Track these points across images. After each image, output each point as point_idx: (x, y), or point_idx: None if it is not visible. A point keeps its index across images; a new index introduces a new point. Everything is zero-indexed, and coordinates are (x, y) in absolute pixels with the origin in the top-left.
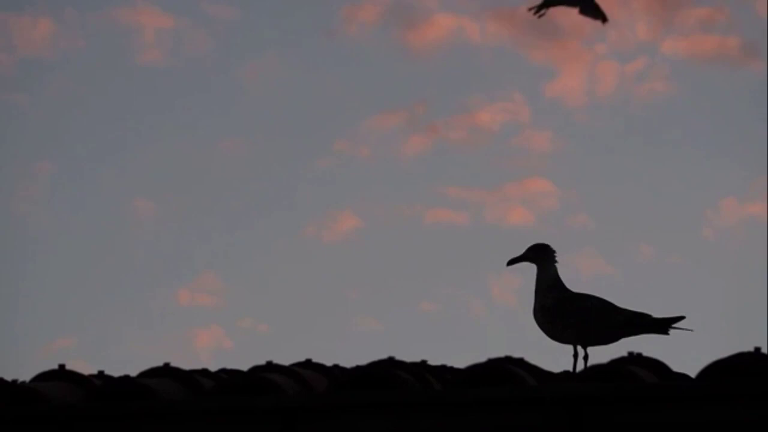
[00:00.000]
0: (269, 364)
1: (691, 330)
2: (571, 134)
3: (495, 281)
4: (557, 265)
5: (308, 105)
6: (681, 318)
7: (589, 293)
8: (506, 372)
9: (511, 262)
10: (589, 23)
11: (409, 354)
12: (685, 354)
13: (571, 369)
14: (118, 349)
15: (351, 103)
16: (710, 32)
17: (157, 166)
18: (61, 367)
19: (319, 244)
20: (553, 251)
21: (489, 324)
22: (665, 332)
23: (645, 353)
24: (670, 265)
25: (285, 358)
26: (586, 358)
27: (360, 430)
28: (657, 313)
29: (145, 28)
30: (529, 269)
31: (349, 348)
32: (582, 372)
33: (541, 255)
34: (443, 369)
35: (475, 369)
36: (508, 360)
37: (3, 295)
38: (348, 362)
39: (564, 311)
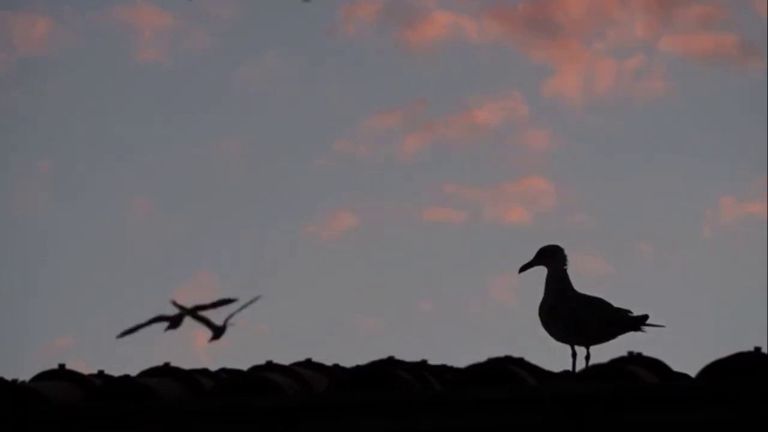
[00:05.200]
0: (269, 363)
1: (663, 326)
2: (570, 132)
3: (494, 280)
4: (568, 265)
5: (307, 104)
6: (646, 317)
7: (590, 293)
8: (506, 372)
9: (523, 269)
10: (587, 21)
11: (408, 353)
12: (685, 354)
13: (571, 369)
14: (118, 349)
15: (349, 102)
16: (708, 30)
17: (156, 165)
18: (61, 366)
19: (317, 242)
20: (561, 252)
21: (489, 323)
22: (640, 330)
23: (645, 353)
24: (670, 264)
25: (285, 358)
26: (588, 357)
27: (360, 430)
28: (655, 312)
29: (143, 26)
30: (537, 269)
31: (349, 348)
32: (582, 372)
33: (548, 257)
34: (443, 369)
35: (475, 369)
36: (508, 360)
37: (3, 295)
38: (348, 362)
39: (560, 312)
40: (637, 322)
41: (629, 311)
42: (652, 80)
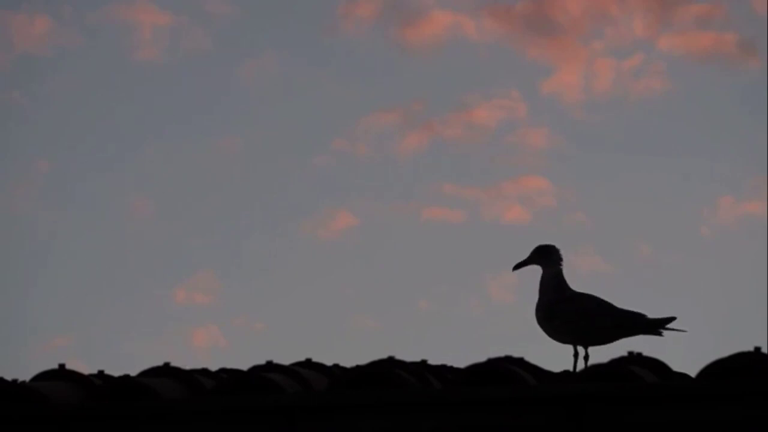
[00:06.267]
0: (269, 363)
1: (685, 331)
2: (568, 131)
3: (493, 280)
4: (563, 265)
5: (305, 103)
6: (672, 319)
7: (591, 293)
8: (506, 372)
9: (517, 267)
10: (586, 20)
11: (408, 353)
12: (685, 354)
13: (571, 369)
14: (118, 349)
15: (348, 100)
16: (707, 29)
17: (155, 164)
18: (61, 366)
19: (316, 242)
20: (557, 251)
21: (489, 323)
22: (658, 333)
23: (645, 353)
24: (668, 263)
25: (285, 358)
26: (586, 358)
27: (360, 430)
28: (655, 312)
29: (142, 25)
30: (533, 268)
31: (349, 348)
32: (582, 372)
33: (543, 257)
34: (443, 369)
35: (475, 369)
36: (508, 360)
37: (2, 295)
38: (348, 362)
39: (559, 312)
40: (658, 325)
41: (642, 314)
42: (651, 79)
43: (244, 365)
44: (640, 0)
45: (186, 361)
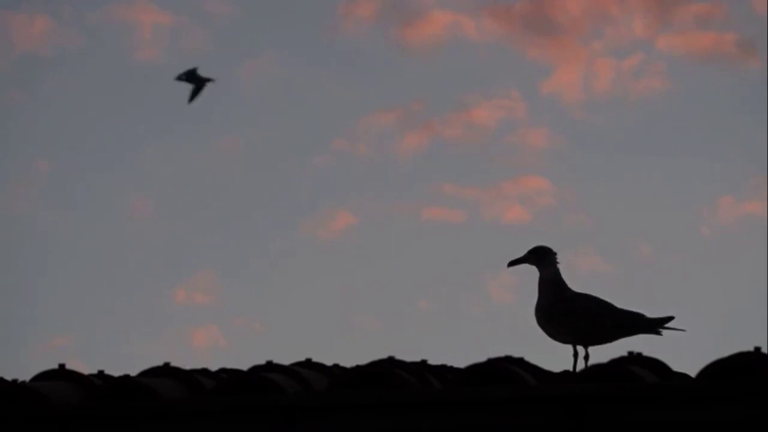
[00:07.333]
0: (269, 363)
1: (684, 330)
2: (568, 131)
3: (493, 280)
4: (559, 265)
5: (305, 103)
6: (670, 318)
7: (590, 293)
8: (506, 372)
9: (512, 264)
10: (586, 20)
11: (408, 353)
12: (685, 354)
13: (571, 369)
14: (118, 349)
15: (348, 101)
16: (707, 29)
17: (155, 164)
18: (62, 366)
19: (316, 242)
20: (554, 253)
21: (489, 323)
22: (657, 333)
23: (645, 353)
24: (668, 263)
25: (285, 358)
26: (586, 357)
27: (360, 430)
28: (655, 312)
29: (142, 25)
30: (531, 268)
31: (349, 348)
32: (582, 372)
33: (540, 257)
34: (443, 369)
35: (475, 369)
36: (508, 360)
37: (3, 295)
38: (348, 362)
39: (558, 312)
40: (657, 324)
41: (642, 314)
42: (651, 79)
43: (244, 365)
44: (640, 0)
45: (186, 361)
